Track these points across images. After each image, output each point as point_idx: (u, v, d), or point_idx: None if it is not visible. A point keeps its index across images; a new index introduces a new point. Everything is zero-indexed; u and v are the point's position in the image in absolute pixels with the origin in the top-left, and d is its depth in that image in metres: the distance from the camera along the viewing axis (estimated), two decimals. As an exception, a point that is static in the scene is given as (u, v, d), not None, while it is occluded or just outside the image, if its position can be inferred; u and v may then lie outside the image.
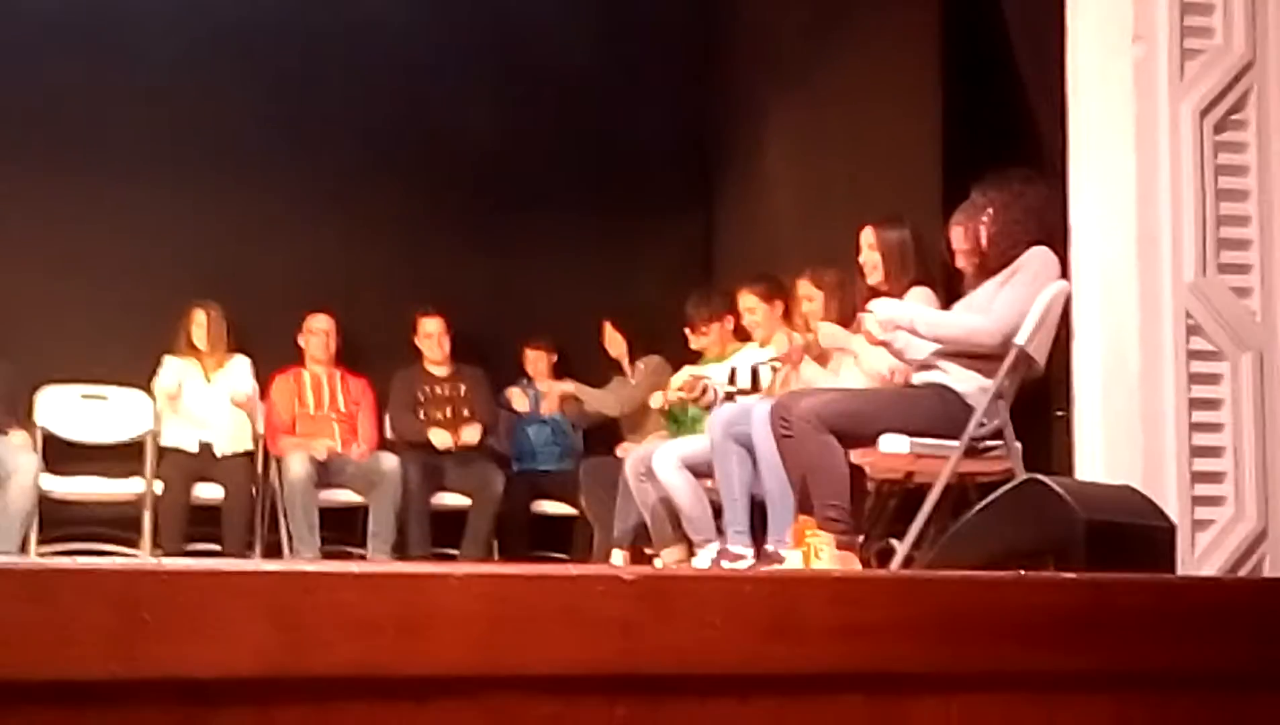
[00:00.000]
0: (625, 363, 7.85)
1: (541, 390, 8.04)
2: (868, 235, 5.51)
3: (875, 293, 5.38)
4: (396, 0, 7.80)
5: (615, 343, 7.88)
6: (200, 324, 7.60)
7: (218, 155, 7.79)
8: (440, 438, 7.65)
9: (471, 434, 7.70)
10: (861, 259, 5.52)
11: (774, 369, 6.00)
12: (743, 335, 6.89)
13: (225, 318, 7.64)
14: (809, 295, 6.08)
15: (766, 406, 5.27)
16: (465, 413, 7.82)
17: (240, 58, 7.76)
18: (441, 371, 7.94)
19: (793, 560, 4.82)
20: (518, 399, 8.07)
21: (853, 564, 4.64)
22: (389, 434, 7.92)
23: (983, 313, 4.79)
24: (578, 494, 7.49)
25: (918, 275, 5.40)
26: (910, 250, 5.43)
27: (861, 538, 5.06)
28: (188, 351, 7.61)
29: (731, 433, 5.80)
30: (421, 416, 7.81)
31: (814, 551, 4.67)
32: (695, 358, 7.15)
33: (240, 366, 7.67)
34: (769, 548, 5.45)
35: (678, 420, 7.14)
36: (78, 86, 7.60)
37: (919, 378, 4.92)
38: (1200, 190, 4.33)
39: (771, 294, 6.54)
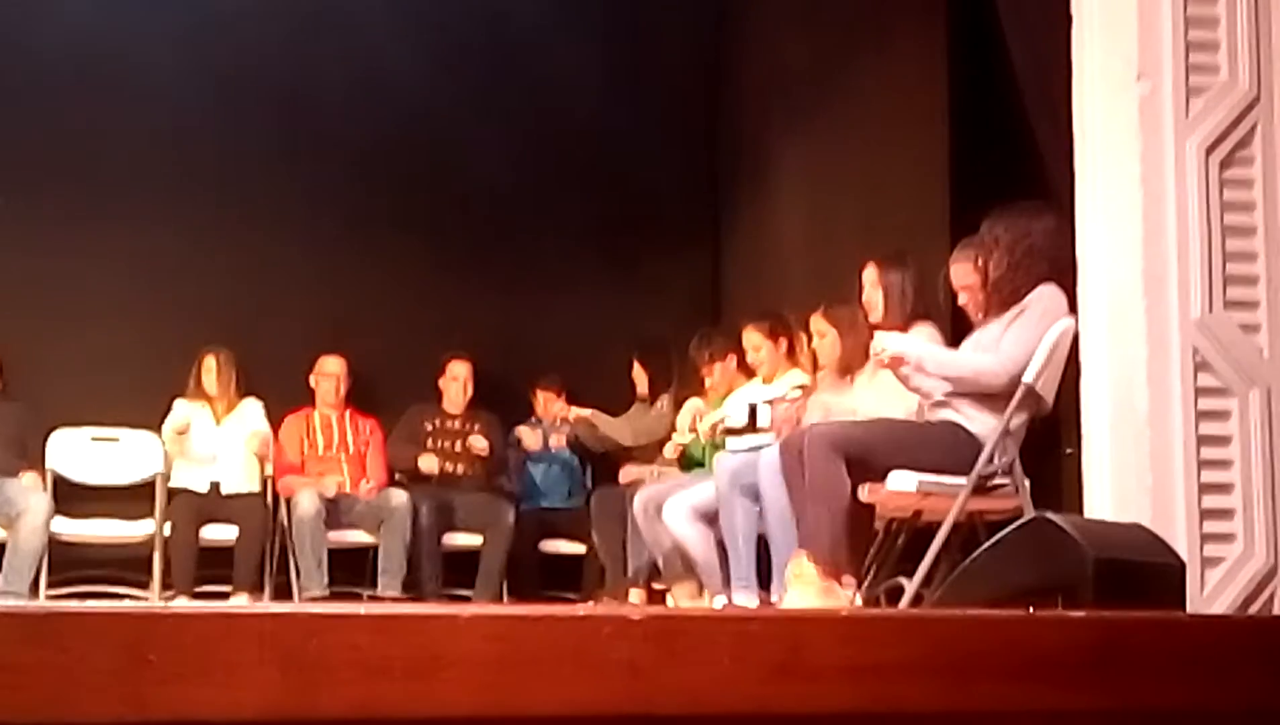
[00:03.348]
0: (648, 398, 7.83)
1: (556, 412, 8.02)
2: (870, 273, 5.51)
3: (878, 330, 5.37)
4: (406, 46, 7.82)
5: (641, 379, 7.85)
6: (210, 369, 7.64)
7: (228, 199, 7.84)
8: (428, 463, 7.69)
9: (479, 443, 7.71)
10: (865, 297, 5.52)
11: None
12: (746, 370, 6.88)
13: (235, 362, 7.67)
14: (821, 331, 6.06)
15: (774, 454, 5.24)
16: (476, 447, 7.84)
17: (251, 103, 7.80)
18: (456, 409, 7.97)
19: (791, 599, 4.76)
20: (528, 437, 8.07)
21: (835, 593, 4.61)
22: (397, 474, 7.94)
23: (990, 352, 4.79)
24: (586, 532, 7.48)
25: (918, 311, 5.39)
26: (910, 288, 5.43)
27: (869, 577, 5.05)
28: (198, 395, 7.64)
29: (739, 484, 5.77)
30: (430, 444, 7.86)
31: (794, 574, 4.64)
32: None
33: (252, 409, 7.70)
34: (774, 599, 5.41)
35: (691, 459, 7.10)
36: (88, 132, 7.66)
37: (931, 416, 4.92)
38: (1206, 227, 4.33)
39: (776, 332, 6.53)
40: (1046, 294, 4.75)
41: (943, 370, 4.82)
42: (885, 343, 4.89)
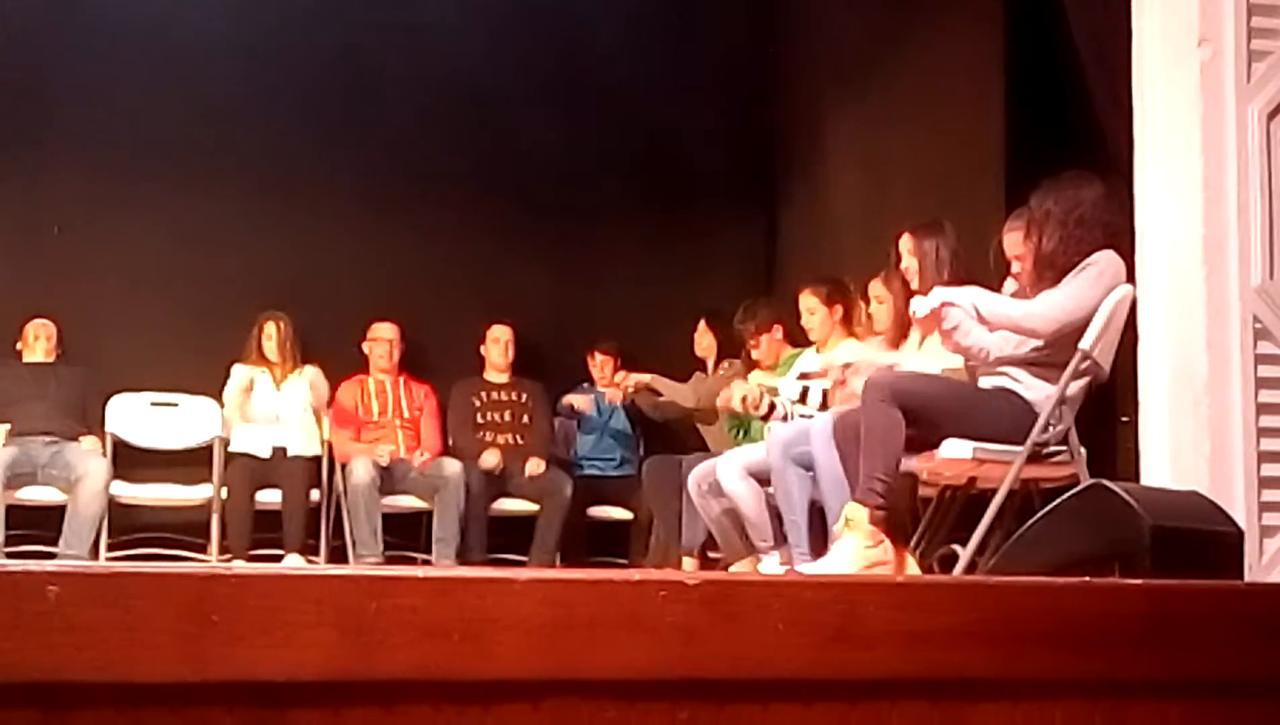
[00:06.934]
0: (710, 362, 7.81)
1: (618, 381, 7.99)
2: (906, 242, 5.46)
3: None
4: (457, 13, 7.83)
5: (705, 341, 7.83)
6: (271, 335, 7.69)
7: (282, 167, 7.88)
8: (490, 459, 7.63)
9: (535, 466, 7.70)
10: (903, 266, 5.48)
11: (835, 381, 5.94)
12: (793, 339, 6.85)
13: (295, 329, 7.71)
14: (880, 297, 6.01)
15: (826, 423, 5.21)
16: (525, 419, 7.86)
17: (307, 71, 7.84)
18: (501, 379, 7.98)
19: (843, 546, 4.68)
20: (579, 401, 8.07)
21: (886, 550, 4.54)
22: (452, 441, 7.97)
23: None
24: (635, 499, 7.49)
25: (958, 275, 5.31)
26: (946, 254, 5.36)
27: (922, 544, 5.03)
28: (258, 361, 7.69)
29: (791, 454, 5.73)
30: (480, 420, 7.86)
31: (845, 521, 4.58)
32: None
33: (311, 376, 7.75)
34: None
35: (744, 428, 7.10)
36: (150, 104, 7.70)
37: (986, 382, 4.87)
38: (1267, 193, 4.29)
39: (833, 297, 6.49)
40: (1105, 257, 4.67)
41: (993, 311, 4.67)
42: (932, 296, 4.76)
